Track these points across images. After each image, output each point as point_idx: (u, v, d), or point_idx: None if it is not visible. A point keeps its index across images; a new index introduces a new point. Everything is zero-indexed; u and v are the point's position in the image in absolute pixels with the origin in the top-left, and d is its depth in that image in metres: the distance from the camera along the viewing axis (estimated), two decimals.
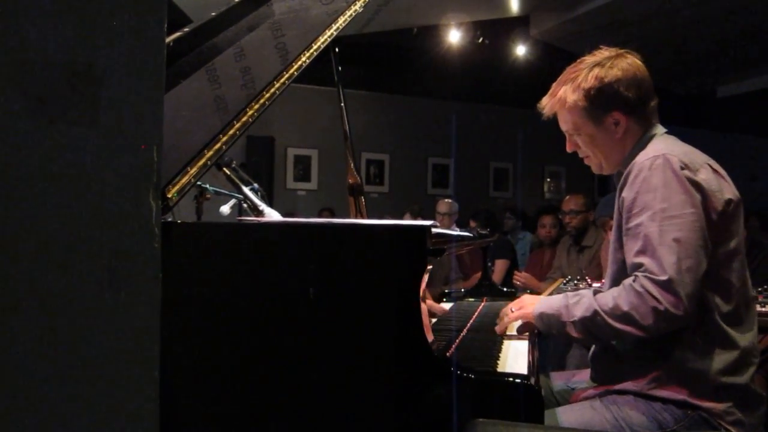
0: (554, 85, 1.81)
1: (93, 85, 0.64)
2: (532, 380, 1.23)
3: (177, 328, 1.18)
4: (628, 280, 1.52)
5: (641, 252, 1.51)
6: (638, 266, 1.51)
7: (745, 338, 1.59)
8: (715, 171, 1.63)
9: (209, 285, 1.27)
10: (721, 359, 1.55)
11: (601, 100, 1.70)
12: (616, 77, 1.69)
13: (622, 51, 1.75)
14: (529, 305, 1.76)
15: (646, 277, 1.48)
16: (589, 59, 1.75)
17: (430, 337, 1.21)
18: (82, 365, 0.64)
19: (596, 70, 1.70)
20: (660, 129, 1.75)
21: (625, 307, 1.48)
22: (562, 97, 1.75)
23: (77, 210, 0.64)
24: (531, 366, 1.50)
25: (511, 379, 1.21)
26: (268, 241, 1.30)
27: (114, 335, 0.65)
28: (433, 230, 1.29)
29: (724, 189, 1.60)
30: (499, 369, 1.49)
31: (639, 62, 1.74)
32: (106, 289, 0.65)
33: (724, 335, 1.56)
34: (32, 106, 0.62)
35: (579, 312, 1.58)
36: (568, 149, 1.85)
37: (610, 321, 1.51)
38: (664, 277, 1.45)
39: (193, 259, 1.26)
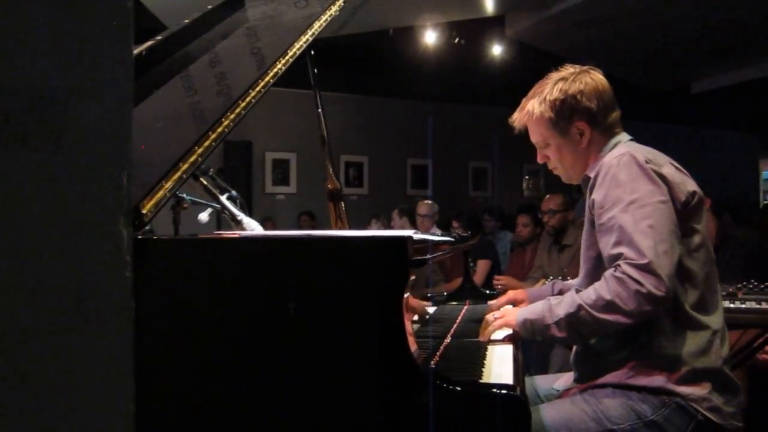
0: (523, 100, 1.92)
1: (57, 109, 0.61)
2: (518, 390, 1.22)
3: (153, 348, 1.15)
4: (609, 271, 1.58)
5: (618, 243, 1.58)
6: (617, 257, 1.57)
7: (712, 320, 1.68)
8: (677, 168, 1.74)
9: (186, 302, 1.24)
10: (692, 342, 1.64)
11: (565, 111, 1.82)
12: (579, 90, 1.81)
13: (586, 67, 1.87)
14: (512, 312, 1.81)
15: (626, 263, 1.53)
16: (555, 75, 1.87)
17: (414, 349, 1.19)
18: (52, 399, 0.61)
19: (560, 84, 1.83)
20: (624, 137, 1.86)
21: (608, 296, 1.53)
22: (530, 110, 1.87)
23: (43, 240, 0.61)
24: (516, 374, 1.50)
25: (497, 390, 1.20)
26: (247, 255, 1.27)
27: (85, 368, 0.62)
28: (415, 237, 1.28)
29: (687, 182, 1.70)
30: (485, 377, 1.48)
31: (601, 77, 1.86)
32: (76, 322, 0.62)
33: (693, 320, 1.65)
34: None
35: (562, 310, 1.62)
36: (539, 161, 1.96)
37: (594, 312, 1.56)
38: (644, 261, 1.51)
39: (169, 276, 1.23)
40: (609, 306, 1.54)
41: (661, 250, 1.53)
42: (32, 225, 0.60)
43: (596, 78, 1.84)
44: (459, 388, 1.17)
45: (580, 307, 1.58)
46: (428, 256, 1.43)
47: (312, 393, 1.20)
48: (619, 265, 1.55)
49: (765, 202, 13.04)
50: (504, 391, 1.19)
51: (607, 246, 1.62)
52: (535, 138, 1.92)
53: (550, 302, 1.68)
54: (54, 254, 0.60)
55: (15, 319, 0.59)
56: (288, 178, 8.63)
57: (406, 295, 1.20)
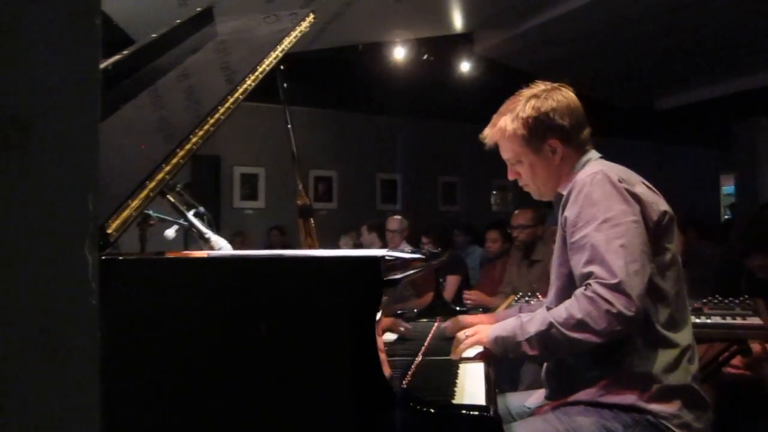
0: (494, 116, 1.91)
1: (20, 133, 0.59)
2: (491, 411, 1.21)
3: (118, 372, 1.11)
4: (580, 290, 1.58)
5: (589, 261, 1.58)
6: (588, 275, 1.57)
7: (682, 338, 1.69)
8: (649, 187, 1.75)
9: (153, 325, 1.21)
10: (663, 359, 1.64)
11: (538, 129, 1.81)
12: (552, 107, 1.81)
13: (557, 85, 1.87)
14: (483, 330, 1.80)
15: (597, 282, 1.54)
16: (527, 92, 1.87)
17: (386, 370, 1.17)
18: None
19: (533, 101, 1.83)
20: (595, 154, 1.87)
21: (579, 315, 1.54)
22: (503, 127, 1.86)
23: (3, 266, 0.58)
24: (489, 393, 1.49)
25: (470, 411, 1.19)
26: (217, 276, 1.25)
27: (50, 401, 0.59)
28: (387, 256, 1.27)
29: (659, 202, 1.72)
30: (457, 397, 1.47)
31: (572, 95, 1.86)
32: (40, 352, 0.59)
33: (663, 338, 1.66)
34: None
35: (533, 328, 1.63)
36: (510, 177, 1.95)
37: (564, 331, 1.56)
38: (614, 281, 1.52)
39: (135, 297, 1.20)
40: (579, 325, 1.54)
41: (632, 270, 1.54)
42: None
43: (568, 95, 1.84)
44: (432, 410, 1.16)
45: (551, 325, 1.59)
46: (400, 276, 1.42)
47: (284, 414, 1.18)
48: (589, 284, 1.55)
49: (726, 217, 13.32)
50: (477, 413, 1.18)
51: (579, 264, 1.62)
52: (506, 155, 1.91)
53: (522, 319, 1.68)
54: (16, 281, 0.58)
55: None
56: (257, 193, 8.57)
57: (378, 316, 1.18)
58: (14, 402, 0.58)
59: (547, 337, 1.60)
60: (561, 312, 1.59)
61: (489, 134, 1.90)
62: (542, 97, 1.82)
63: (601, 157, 1.86)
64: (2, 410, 0.57)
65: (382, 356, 1.18)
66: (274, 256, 1.31)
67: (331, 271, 1.23)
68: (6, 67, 0.59)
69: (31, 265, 0.60)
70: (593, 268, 1.56)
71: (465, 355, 1.82)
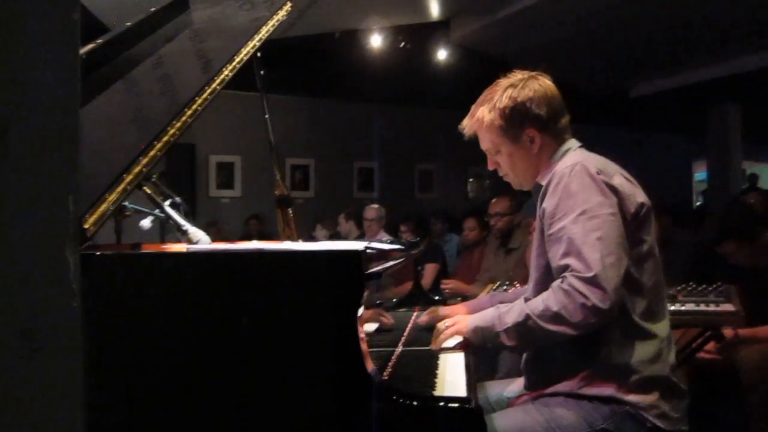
0: (473, 107, 1.91)
1: None
2: (473, 403, 1.22)
3: (100, 370, 1.10)
4: (556, 282, 1.59)
5: (566, 254, 1.59)
6: (565, 268, 1.59)
7: (659, 329, 1.70)
8: (627, 179, 1.75)
9: (132, 320, 1.20)
10: (641, 351, 1.66)
11: (515, 118, 1.81)
12: (528, 97, 1.80)
13: (534, 73, 1.86)
14: (462, 320, 1.82)
15: (573, 276, 1.55)
16: (504, 82, 1.86)
17: (369, 365, 1.17)
18: None
19: (510, 91, 1.82)
20: (574, 143, 1.86)
21: (555, 308, 1.55)
22: (480, 118, 1.86)
23: None
24: (470, 384, 1.50)
25: (451, 404, 1.20)
26: (198, 270, 1.24)
27: (32, 402, 0.59)
28: (368, 249, 1.26)
29: (636, 194, 1.72)
30: (438, 388, 1.48)
31: (550, 83, 1.85)
32: (23, 354, 0.58)
33: (641, 329, 1.67)
34: None
35: (511, 319, 1.64)
36: (490, 167, 1.95)
37: (541, 323, 1.58)
38: (590, 274, 1.53)
39: (114, 293, 1.18)
40: (555, 317, 1.56)
41: (608, 263, 1.55)
42: None
43: (545, 84, 1.83)
44: (415, 402, 1.16)
45: (528, 316, 1.60)
46: (382, 267, 1.42)
47: (266, 408, 1.18)
48: (566, 277, 1.57)
49: (698, 204, 13.52)
50: (458, 405, 1.19)
51: (556, 256, 1.63)
52: (485, 145, 1.91)
53: (500, 310, 1.70)
54: None
55: None
56: (233, 182, 8.50)
57: (361, 309, 1.18)
58: None
59: (523, 329, 1.62)
60: (538, 304, 1.60)
61: (467, 125, 1.90)
62: (519, 87, 1.81)
63: (580, 146, 1.86)
64: None
65: (364, 348, 1.18)
66: (255, 250, 1.30)
67: (314, 264, 1.22)
68: None
69: (11, 267, 0.58)
70: (569, 261, 1.58)
71: (445, 345, 1.83)
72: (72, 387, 0.62)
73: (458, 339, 1.83)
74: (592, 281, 1.53)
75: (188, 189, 7.44)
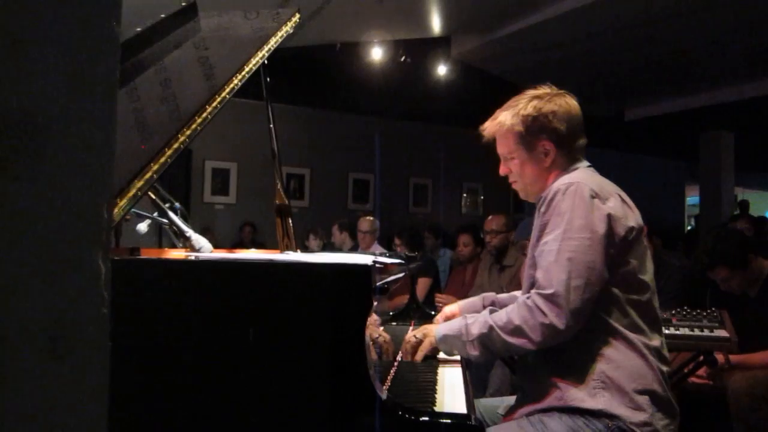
0: (497, 111, 1.94)
1: (35, 136, 0.58)
2: (473, 419, 1.23)
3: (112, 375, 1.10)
4: (522, 297, 1.67)
5: (539, 268, 1.67)
6: (533, 283, 1.66)
7: (652, 345, 1.73)
8: (623, 201, 1.78)
9: (143, 327, 1.20)
10: (633, 367, 1.68)
11: (535, 128, 1.84)
12: (552, 110, 1.84)
13: (562, 91, 1.90)
14: (431, 330, 1.87)
15: (536, 292, 1.62)
16: (531, 92, 1.90)
17: (375, 381, 1.17)
18: None
19: (535, 102, 1.86)
20: (584, 164, 1.89)
21: (517, 321, 1.63)
22: (502, 121, 1.89)
23: (15, 273, 0.58)
24: (468, 400, 1.51)
25: (451, 420, 1.20)
26: (207, 279, 1.24)
27: (57, 411, 0.59)
28: (377, 263, 1.27)
29: (629, 217, 1.75)
30: (438, 403, 1.48)
31: (575, 103, 1.89)
32: (49, 360, 0.59)
33: (633, 345, 1.70)
34: None
35: (476, 330, 1.71)
36: (501, 172, 1.98)
37: (503, 335, 1.65)
38: (550, 291, 1.60)
39: (124, 300, 1.18)
40: (516, 331, 1.63)
41: (573, 285, 1.59)
42: (5, 258, 0.57)
43: (570, 103, 1.87)
44: (422, 419, 1.17)
45: (491, 328, 1.67)
46: (385, 281, 1.43)
47: (272, 421, 1.17)
48: (531, 293, 1.63)
49: (689, 227, 13.61)
50: (461, 421, 1.20)
51: (537, 269, 1.69)
52: (501, 149, 1.94)
53: (467, 320, 1.76)
54: (28, 290, 0.57)
55: None
56: (228, 188, 8.49)
57: (367, 322, 1.19)
58: (24, 411, 0.58)
59: (488, 339, 1.68)
60: (502, 316, 1.67)
61: (488, 127, 1.94)
62: (545, 99, 1.85)
63: (589, 166, 1.89)
64: (12, 419, 0.57)
65: (370, 360, 1.19)
66: (265, 261, 1.30)
67: (324, 278, 1.22)
68: (21, 72, 0.59)
69: (43, 273, 0.59)
70: (539, 275, 1.64)
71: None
72: (99, 395, 0.62)
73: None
74: (550, 298, 1.59)
75: (183, 194, 7.42)
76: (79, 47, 0.61)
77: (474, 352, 1.72)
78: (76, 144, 0.60)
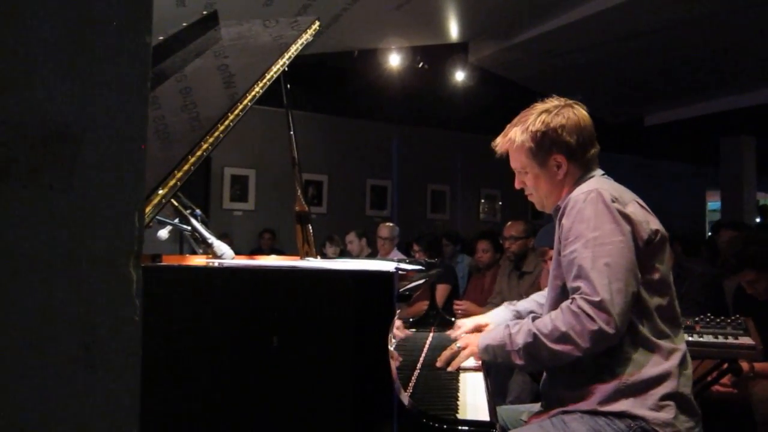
0: (507, 126, 1.95)
1: (70, 146, 0.59)
2: (497, 427, 1.22)
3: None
4: (566, 303, 1.65)
5: (577, 277, 1.65)
6: (575, 290, 1.64)
7: (675, 347, 1.73)
8: (642, 206, 1.79)
9: (168, 334, 1.21)
10: (656, 368, 1.68)
11: (545, 143, 1.85)
12: (561, 124, 1.84)
13: (570, 101, 1.90)
14: (473, 340, 1.88)
15: (582, 298, 1.60)
16: (540, 106, 1.90)
17: (399, 388, 1.17)
18: None
19: (543, 116, 1.86)
20: (599, 172, 1.90)
21: (563, 328, 1.61)
22: (513, 138, 1.90)
23: (49, 281, 0.58)
24: (491, 406, 1.50)
25: (475, 428, 1.20)
26: (231, 286, 1.24)
27: (89, 419, 0.59)
28: (400, 270, 1.27)
29: (651, 221, 1.76)
30: (461, 410, 1.48)
31: (584, 113, 1.89)
32: (82, 369, 0.59)
33: (657, 347, 1.70)
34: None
35: (521, 339, 1.70)
36: (517, 186, 2.00)
37: (548, 343, 1.64)
38: (597, 298, 1.58)
39: (149, 307, 1.19)
40: (563, 337, 1.61)
41: (615, 289, 1.59)
42: (40, 266, 0.58)
43: (579, 113, 1.87)
44: (445, 426, 1.17)
45: (536, 336, 1.66)
46: (407, 287, 1.43)
47: (296, 429, 1.18)
48: (575, 299, 1.62)
49: (710, 233, 13.44)
50: (485, 429, 1.19)
51: (569, 278, 1.68)
52: (514, 165, 1.95)
53: (510, 329, 1.75)
54: (61, 297, 0.58)
55: (16, 367, 0.56)
56: (246, 195, 8.54)
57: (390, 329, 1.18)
58: (57, 417, 0.58)
59: (533, 348, 1.67)
60: (546, 323, 1.66)
61: (500, 143, 1.95)
62: (553, 113, 1.85)
63: (603, 175, 1.89)
64: (45, 426, 0.57)
65: (393, 369, 1.19)
66: (288, 268, 1.30)
67: (348, 285, 1.22)
68: (55, 83, 0.59)
69: (76, 281, 0.60)
70: (580, 283, 1.63)
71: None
72: (131, 402, 0.62)
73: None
74: (599, 305, 1.58)
75: (202, 200, 7.48)
76: (113, 58, 0.62)
77: (519, 362, 1.72)
78: (108, 153, 0.61)
